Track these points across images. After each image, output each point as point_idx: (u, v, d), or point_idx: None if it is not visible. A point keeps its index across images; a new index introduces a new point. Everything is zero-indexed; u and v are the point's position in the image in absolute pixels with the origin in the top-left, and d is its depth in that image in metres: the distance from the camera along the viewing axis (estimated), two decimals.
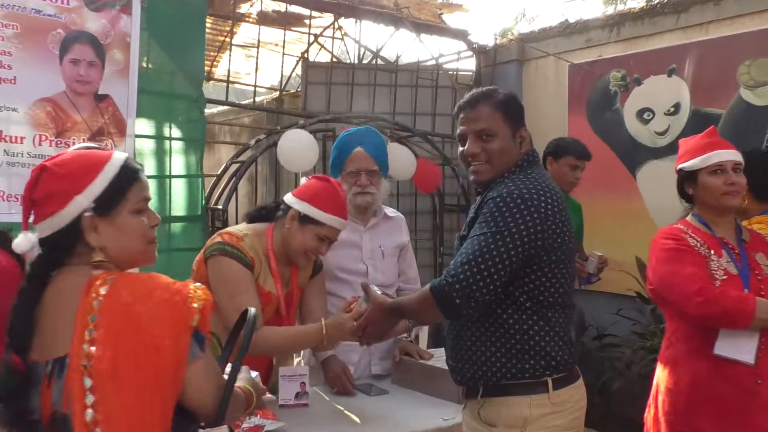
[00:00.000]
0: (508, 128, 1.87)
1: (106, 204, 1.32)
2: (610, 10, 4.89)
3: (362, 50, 5.92)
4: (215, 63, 6.60)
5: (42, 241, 1.34)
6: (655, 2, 4.48)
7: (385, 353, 2.71)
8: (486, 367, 1.80)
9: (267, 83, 6.88)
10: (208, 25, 4.81)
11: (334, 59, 6.10)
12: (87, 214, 1.30)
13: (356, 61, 5.72)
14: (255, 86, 5.12)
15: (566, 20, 5.06)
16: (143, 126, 3.60)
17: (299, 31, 5.98)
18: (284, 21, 5.17)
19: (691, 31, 4.29)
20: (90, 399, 1.21)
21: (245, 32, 6.07)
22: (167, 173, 3.73)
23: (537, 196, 1.75)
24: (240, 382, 1.54)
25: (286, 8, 5.22)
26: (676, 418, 2.17)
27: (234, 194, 4.10)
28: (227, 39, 5.65)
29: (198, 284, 1.31)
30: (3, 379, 1.28)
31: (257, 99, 5.44)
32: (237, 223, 3.25)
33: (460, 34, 5.54)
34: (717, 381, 2.10)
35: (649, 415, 2.31)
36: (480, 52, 5.58)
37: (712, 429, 2.11)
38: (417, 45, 5.47)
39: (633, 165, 4.55)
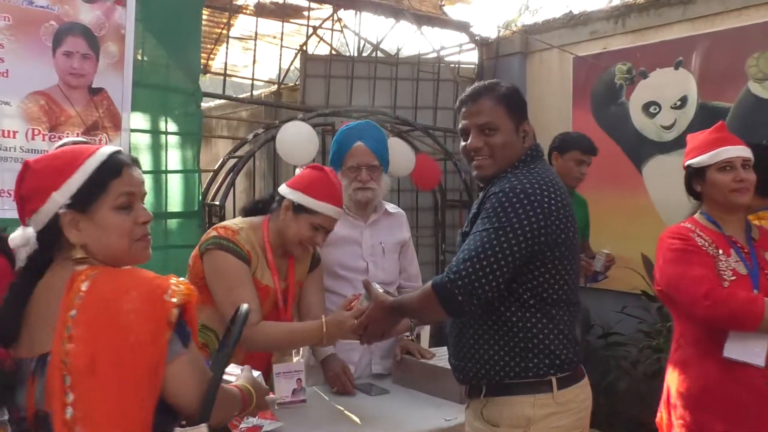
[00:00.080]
0: (511, 122, 1.87)
1: (84, 200, 1.32)
2: (616, 1, 4.86)
3: (362, 42, 5.90)
4: (212, 56, 6.58)
5: (36, 237, 1.36)
6: None
7: (386, 352, 2.71)
8: (489, 366, 1.80)
9: (265, 76, 6.87)
10: (204, 16, 4.79)
11: (334, 52, 6.08)
12: (61, 210, 1.31)
13: (356, 54, 5.71)
14: (252, 79, 5.11)
15: (570, 12, 5.05)
16: (138, 120, 3.60)
17: (298, 23, 5.97)
18: (282, 13, 5.16)
19: (699, 22, 4.28)
20: (70, 397, 1.22)
21: (242, 24, 6.06)
22: (163, 168, 3.73)
23: (540, 191, 1.75)
24: (240, 381, 1.54)
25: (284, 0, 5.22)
26: (688, 422, 2.17)
27: (231, 190, 4.10)
28: (224, 31, 5.63)
29: (181, 279, 1.31)
30: None
31: (255, 92, 5.42)
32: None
33: (462, 26, 5.53)
34: (728, 384, 2.09)
35: (661, 420, 2.31)
36: (482, 44, 5.57)
37: None
38: (418, 37, 5.46)
39: (639, 160, 4.54)
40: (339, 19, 6.11)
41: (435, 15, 5.39)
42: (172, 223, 3.77)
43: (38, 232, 1.35)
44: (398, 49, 5.59)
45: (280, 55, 5.21)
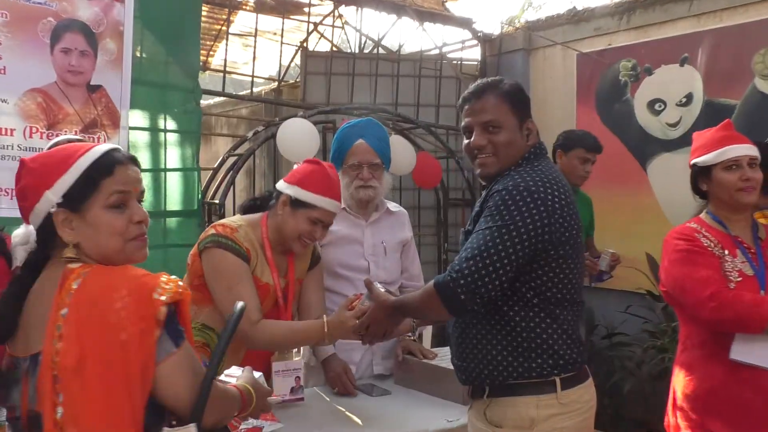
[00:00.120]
0: (514, 120, 1.86)
1: (75, 199, 1.32)
2: None
3: (363, 39, 5.90)
4: (211, 52, 6.59)
5: (35, 235, 1.37)
6: None
7: (388, 352, 2.71)
8: (492, 366, 1.79)
9: (265, 73, 6.87)
10: (203, 13, 4.80)
11: (335, 48, 6.08)
12: (53, 209, 1.32)
13: (357, 51, 5.71)
14: (252, 76, 5.11)
15: (574, 8, 5.04)
16: (137, 118, 3.60)
17: (298, 20, 5.97)
18: (283, 9, 5.15)
19: (704, 18, 4.27)
20: (60, 397, 1.22)
21: (242, 20, 6.06)
22: (162, 167, 3.73)
23: (544, 189, 1.75)
24: (240, 381, 1.54)
25: None
26: (695, 425, 2.16)
27: (231, 188, 4.10)
28: (224, 28, 5.63)
29: (172, 277, 1.30)
30: None
31: (255, 90, 5.42)
32: None
33: (465, 23, 5.52)
34: (734, 386, 2.09)
35: (669, 425, 2.31)
36: (485, 41, 5.56)
37: None
38: (420, 34, 5.45)
39: (644, 158, 4.54)
40: (340, 16, 6.11)
41: (437, 11, 5.39)
42: (172, 222, 3.77)
43: (36, 230, 1.36)
44: (400, 46, 5.59)
45: (281, 51, 5.20)
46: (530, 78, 5.25)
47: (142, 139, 3.66)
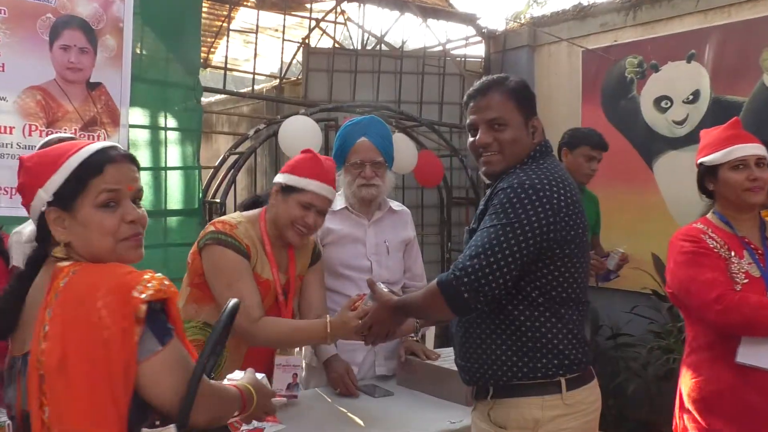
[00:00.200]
0: (520, 117, 1.86)
1: (65, 198, 1.32)
2: None
3: (366, 36, 5.90)
4: (212, 49, 6.59)
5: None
6: None
7: (390, 353, 2.71)
8: (496, 366, 1.79)
9: (266, 70, 6.87)
10: (204, 9, 4.80)
11: (337, 45, 6.08)
12: (43, 208, 1.33)
13: (359, 47, 5.70)
14: (254, 74, 5.11)
15: (580, 3, 5.03)
16: (137, 115, 3.60)
17: (300, 16, 5.97)
18: (284, 5, 5.15)
19: (712, 14, 4.26)
20: (46, 397, 1.23)
21: (243, 17, 6.06)
22: (162, 165, 3.73)
23: (549, 187, 1.75)
24: (240, 381, 1.53)
25: None
26: (702, 428, 2.16)
27: (232, 187, 4.10)
28: (225, 24, 5.63)
29: (157, 275, 1.29)
30: None
31: (256, 87, 5.42)
32: None
33: (469, 19, 5.52)
34: (741, 389, 2.08)
35: (677, 428, 2.30)
36: (489, 37, 5.56)
37: None
38: (423, 30, 5.44)
39: (650, 156, 4.53)
40: (342, 12, 6.11)
41: (441, 7, 5.39)
42: (172, 221, 3.77)
43: (36, 228, 1.37)
44: (403, 43, 5.59)
45: (282, 48, 5.20)
46: (535, 75, 5.25)
47: (142, 137, 3.67)
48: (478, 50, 5.67)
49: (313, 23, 5.92)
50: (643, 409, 4.23)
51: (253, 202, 2.51)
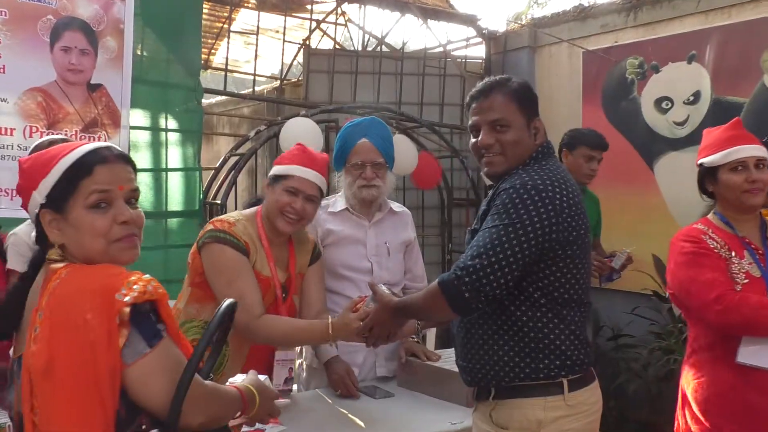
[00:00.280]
0: (522, 118, 1.87)
1: (57, 200, 1.32)
2: None
3: (366, 37, 5.90)
4: (213, 51, 6.60)
5: None
6: None
7: (391, 354, 2.71)
8: (498, 367, 1.79)
9: (267, 72, 6.88)
10: (205, 10, 4.81)
11: (337, 46, 6.08)
12: (35, 210, 1.33)
13: (360, 49, 5.71)
14: (254, 75, 5.12)
15: (580, 4, 5.03)
16: (138, 117, 3.61)
17: (301, 17, 5.97)
18: (285, 6, 5.15)
19: (713, 15, 4.26)
20: (36, 400, 1.23)
21: (244, 18, 6.07)
22: (163, 166, 3.74)
23: (552, 188, 1.75)
24: (242, 382, 1.52)
25: None
26: (704, 428, 2.16)
27: (233, 188, 4.10)
28: (225, 25, 5.64)
29: (145, 276, 1.27)
30: None
31: (257, 88, 5.43)
32: None
33: (469, 20, 5.52)
34: (745, 391, 2.08)
35: (679, 428, 2.30)
36: (490, 38, 5.56)
37: None
38: (424, 31, 5.45)
39: (650, 157, 4.53)
40: (343, 13, 6.11)
41: (441, 8, 5.39)
42: (173, 222, 3.78)
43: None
44: (403, 44, 5.60)
45: (283, 49, 5.21)
46: (536, 76, 5.25)
47: (143, 138, 3.67)
48: (478, 51, 5.67)
49: (314, 24, 5.92)
50: (644, 410, 4.22)
51: (254, 204, 2.52)
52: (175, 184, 3.79)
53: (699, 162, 2.31)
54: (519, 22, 5.69)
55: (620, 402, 4.22)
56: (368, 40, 5.91)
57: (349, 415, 2.29)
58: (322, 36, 6.39)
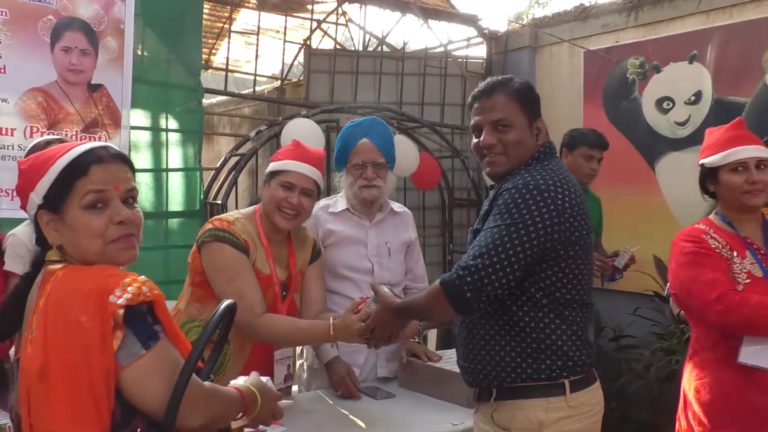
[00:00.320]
0: (524, 119, 1.87)
1: (53, 201, 1.31)
2: None
3: (367, 37, 5.90)
4: (213, 51, 6.60)
5: None
6: None
7: (392, 355, 2.71)
8: (500, 368, 1.79)
9: (268, 72, 6.88)
10: (205, 10, 4.81)
11: (338, 46, 6.08)
12: (32, 211, 1.33)
13: (361, 49, 5.71)
14: (255, 75, 5.11)
15: (581, 4, 5.03)
16: (139, 117, 3.61)
17: (301, 17, 5.97)
18: (286, 6, 5.15)
19: (714, 15, 4.26)
20: (31, 401, 1.23)
21: (245, 18, 6.07)
22: (164, 166, 3.74)
23: (554, 188, 1.75)
24: (244, 384, 1.52)
25: None
26: (706, 429, 2.16)
27: (234, 188, 4.10)
28: (226, 25, 5.64)
29: (140, 277, 1.26)
30: None
31: (258, 88, 5.43)
32: None
33: (470, 20, 5.52)
34: (745, 390, 2.08)
35: (681, 429, 2.30)
36: (491, 38, 5.56)
37: None
38: (425, 31, 5.45)
39: (652, 157, 4.53)
40: (344, 13, 6.11)
41: (442, 8, 5.39)
42: (173, 222, 3.77)
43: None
44: (404, 44, 5.59)
45: (284, 49, 5.20)
46: (537, 76, 5.24)
47: (143, 138, 3.67)
48: (479, 51, 5.67)
49: (315, 24, 5.92)
50: (646, 410, 4.22)
51: (254, 204, 2.52)
52: (175, 184, 3.79)
53: (700, 162, 2.31)
54: (520, 22, 5.68)
55: (622, 403, 4.22)
56: (369, 40, 5.91)
57: (350, 416, 2.29)
58: (323, 36, 6.39)
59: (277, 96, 5.92)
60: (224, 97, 6.24)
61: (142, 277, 1.26)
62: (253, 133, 4.34)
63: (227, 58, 4.68)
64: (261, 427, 2.03)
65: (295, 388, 2.68)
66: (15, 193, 2.36)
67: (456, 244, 5.03)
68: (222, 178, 4.18)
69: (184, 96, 3.78)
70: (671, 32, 4.44)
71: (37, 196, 1.32)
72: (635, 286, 4.25)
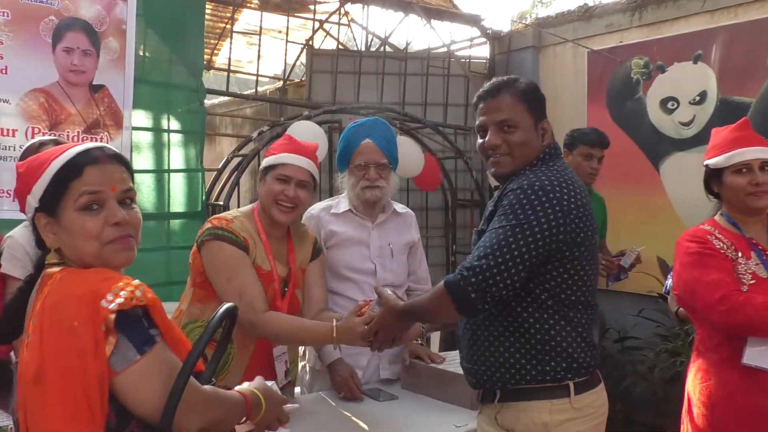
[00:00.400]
0: (530, 119, 1.87)
1: (49, 203, 1.30)
2: None
3: (370, 37, 5.90)
4: (215, 51, 6.60)
5: None
6: None
7: (395, 357, 2.70)
8: (504, 369, 1.79)
9: (270, 72, 6.88)
10: (207, 10, 4.81)
11: (341, 47, 6.08)
12: (30, 214, 1.32)
13: (363, 49, 5.71)
14: (257, 75, 5.12)
15: (585, 4, 5.03)
16: (140, 118, 3.61)
17: (303, 17, 5.97)
18: (288, 6, 5.16)
19: (719, 14, 4.25)
20: (27, 405, 1.22)
21: (247, 18, 6.07)
22: (166, 167, 3.74)
23: (560, 189, 1.75)
24: (248, 387, 1.50)
25: None
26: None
27: (236, 189, 4.10)
28: (228, 26, 5.64)
29: (134, 282, 1.24)
30: None
31: (260, 89, 5.43)
32: None
33: (473, 20, 5.52)
34: (752, 393, 2.07)
35: (684, 430, 2.29)
36: (494, 38, 5.56)
37: None
38: (427, 31, 5.44)
39: (656, 157, 4.52)
40: (346, 13, 6.11)
41: (445, 8, 5.39)
42: (175, 223, 3.77)
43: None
44: (407, 44, 5.58)
45: (286, 50, 5.21)
46: (540, 76, 5.24)
47: (145, 139, 3.67)
48: (482, 51, 5.67)
49: (317, 25, 5.93)
50: (650, 412, 4.21)
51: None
52: (177, 185, 3.79)
53: (705, 163, 2.31)
54: (523, 21, 5.68)
55: (626, 405, 4.21)
56: (371, 40, 5.91)
57: (353, 418, 2.29)
58: (325, 36, 6.40)
59: (279, 96, 5.92)
60: (226, 98, 6.24)
61: (136, 281, 1.25)
62: (255, 134, 4.34)
63: (229, 59, 4.69)
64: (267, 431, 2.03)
65: (297, 389, 2.68)
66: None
67: (459, 245, 5.02)
68: (224, 179, 4.18)
69: (186, 96, 3.78)
70: (676, 32, 4.44)
71: (33, 199, 1.31)
72: (639, 287, 4.25)
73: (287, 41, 5.16)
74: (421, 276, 2.84)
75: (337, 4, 5.69)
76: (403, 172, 4.01)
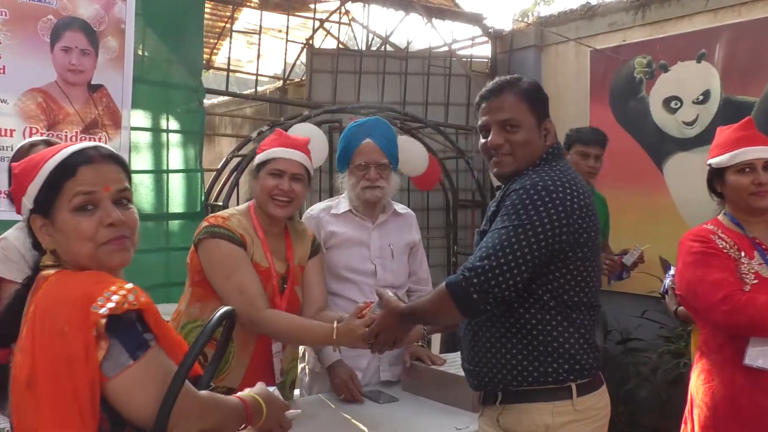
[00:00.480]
0: (533, 119, 1.86)
1: (43, 204, 1.29)
2: None
3: (371, 36, 5.90)
4: (215, 51, 6.61)
5: None
6: None
7: (395, 358, 2.70)
8: (506, 371, 1.79)
9: (270, 72, 6.88)
10: (207, 10, 4.82)
11: (341, 46, 6.08)
12: (25, 216, 1.32)
13: (364, 48, 5.71)
14: (257, 75, 5.12)
15: (588, 2, 5.03)
16: (139, 117, 3.61)
17: (304, 16, 5.97)
18: (288, 5, 5.16)
19: (722, 13, 4.25)
20: (19, 409, 1.22)
21: (246, 17, 6.07)
22: (164, 168, 3.74)
23: (563, 189, 1.75)
24: (249, 393, 1.48)
25: None
26: None
27: (235, 190, 4.10)
28: (227, 25, 5.65)
29: (127, 285, 1.23)
30: None
31: (259, 89, 5.43)
32: None
33: (475, 19, 5.51)
34: (755, 393, 2.07)
35: (686, 430, 2.29)
36: (496, 37, 5.55)
37: None
38: (429, 30, 5.43)
39: (659, 157, 4.52)
40: (347, 12, 6.11)
41: (446, 7, 5.39)
42: (174, 224, 3.77)
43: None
44: (408, 43, 5.58)
45: (286, 49, 5.21)
46: (542, 75, 5.24)
47: (144, 139, 3.67)
48: (484, 50, 5.67)
49: (317, 24, 5.92)
50: (653, 414, 4.21)
51: None
52: (176, 185, 3.79)
53: (708, 162, 2.31)
54: (525, 20, 5.68)
55: (629, 407, 4.21)
56: (372, 39, 5.91)
57: (353, 420, 2.29)
58: (326, 35, 6.40)
59: (279, 96, 5.92)
60: (226, 98, 6.25)
61: (129, 284, 1.24)
62: (254, 134, 4.34)
63: (229, 58, 4.69)
64: None
65: (296, 392, 2.68)
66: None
67: (460, 245, 5.02)
68: (223, 180, 4.18)
69: (185, 96, 3.78)
70: (679, 31, 4.44)
71: (28, 201, 1.30)
72: (641, 287, 4.25)
73: (287, 40, 5.16)
74: (422, 277, 2.84)
75: (338, 3, 5.69)
76: (408, 170, 4.01)
